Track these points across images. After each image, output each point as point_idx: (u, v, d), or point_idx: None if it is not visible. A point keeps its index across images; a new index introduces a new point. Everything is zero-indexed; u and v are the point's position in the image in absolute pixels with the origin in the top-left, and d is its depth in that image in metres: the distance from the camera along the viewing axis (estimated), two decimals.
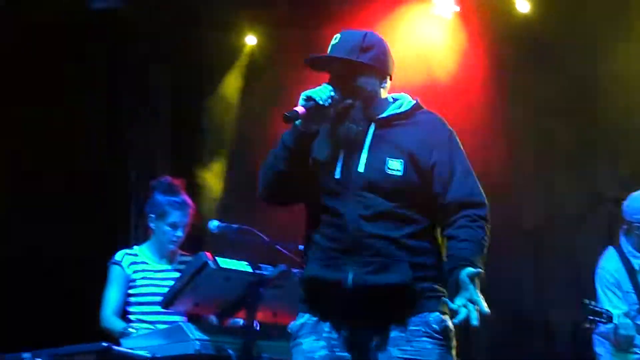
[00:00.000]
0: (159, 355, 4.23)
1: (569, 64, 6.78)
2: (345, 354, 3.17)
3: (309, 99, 3.09)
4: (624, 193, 5.61)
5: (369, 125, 3.22)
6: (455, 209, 3.15)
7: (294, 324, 3.27)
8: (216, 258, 4.10)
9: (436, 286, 3.19)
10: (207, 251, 4.22)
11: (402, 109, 3.29)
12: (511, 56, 6.92)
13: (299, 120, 3.09)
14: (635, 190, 5.48)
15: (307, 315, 3.25)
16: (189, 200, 5.01)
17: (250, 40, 7.79)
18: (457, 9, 6.94)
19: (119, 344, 4.37)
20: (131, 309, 4.88)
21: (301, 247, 3.50)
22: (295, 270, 4.23)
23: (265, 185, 3.26)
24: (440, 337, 3.14)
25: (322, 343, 3.18)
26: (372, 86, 3.25)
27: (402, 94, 3.35)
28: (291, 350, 3.29)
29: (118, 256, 4.92)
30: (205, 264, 4.04)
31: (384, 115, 3.27)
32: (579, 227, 6.92)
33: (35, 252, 7.10)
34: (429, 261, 3.17)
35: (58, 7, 6.98)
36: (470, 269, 2.98)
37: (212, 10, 7.32)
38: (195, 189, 6.95)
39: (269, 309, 4.32)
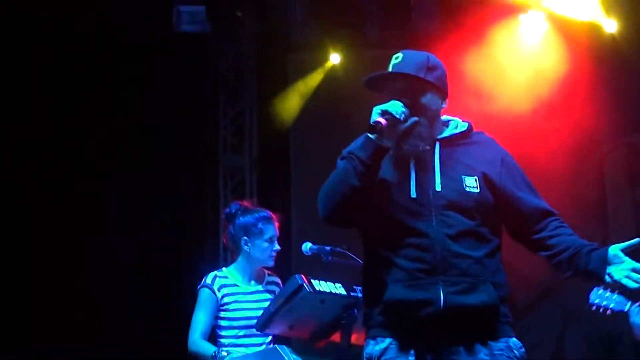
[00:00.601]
0: None
1: None
2: None
3: (385, 112, 3.08)
4: None
5: (434, 144, 3.21)
6: (543, 215, 3.21)
7: (373, 349, 3.22)
8: (311, 280, 4.09)
9: (506, 310, 3.20)
10: (301, 273, 4.19)
11: (459, 130, 3.30)
12: (598, 73, 6.95)
13: (374, 135, 3.07)
14: None
15: (388, 340, 3.20)
16: (273, 214, 5.07)
17: (334, 59, 7.89)
18: (546, 27, 7.02)
19: None
20: (223, 332, 4.87)
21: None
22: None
23: (333, 205, 3.19)
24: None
25: None
26: (436, 105, 3.24)
27: (449, 116, 3.36)
28: None
29: (208, 279, 4.92)
30: (302, 286, 4.03)
31: (445, 135, 3.27)
32: None
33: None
34: (502, 281, 3.19)
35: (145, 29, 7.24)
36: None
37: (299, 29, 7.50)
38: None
39: (363, 331, 4.10)
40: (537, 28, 7.10)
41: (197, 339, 4.86)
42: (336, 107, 7.74)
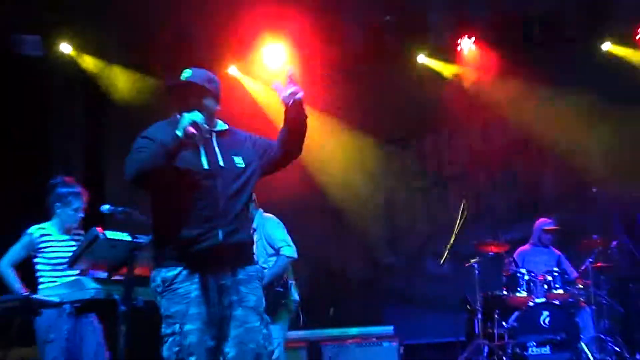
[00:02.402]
0: (65, 300, 5.26)
1: None
2: (213, 293, 4.21)
3: (194, 123, 4.07)
4: None
5: (211, 134, 4.32)
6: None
7: (167, 275, 4.18)
8: (104, 231, 5.03)
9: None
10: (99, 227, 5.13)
11: (224, 127, 4.50)
12: None
13: (182, 134, 4.07)
14: None
15: (179, 268, 4.21)
16: (83, 190, 6.36)
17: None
18: None
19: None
20: (40, 268, 6.10)
21: None
22: None
23: (141, 174, 4.12)
24: (260, 279, 4.46)
25: (195, 286, 4.19)
26: (213, 106, 4.42)
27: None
28: (164, 294, 4.19)
29: (31, 229, 6.20)
30: (97, 236, 4.98)
31: (218, 128, 4.45)
32: None
33: None
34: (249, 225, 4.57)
35: None
36: None
37: None
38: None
39: (144, 266, 4.98)
40: None
41: (4, 265, 6.09)
42: None
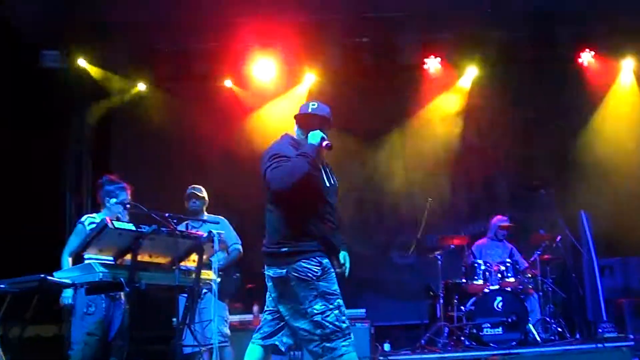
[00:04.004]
0: (77, 282, 5.29)
1: None
2: None
3: (326, 139, 4.81)
4: None
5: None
6: None
7: (323, 261, 4.74)
8: (112, 221, 5.18)
9: None
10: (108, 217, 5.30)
11: None
12: None
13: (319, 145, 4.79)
14: None
15: (327, 258, 4.80)
16: (127, 185, 6.57)
17: None
18: None
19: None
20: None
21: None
22: (163, 229, 5.32)
23: (292, 183, 4.63)
24: None
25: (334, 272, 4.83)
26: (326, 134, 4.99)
27: None
28: (324, 277, 4.68)
29: (83, 218, 6.50)
30: (106, 225, 5.13)
31: None
32: None
33: None
34: None
35: None
36: None
37: None
38: None
39: (146, 253, 5.41)
40: None
41: (64, 255, 6.31)
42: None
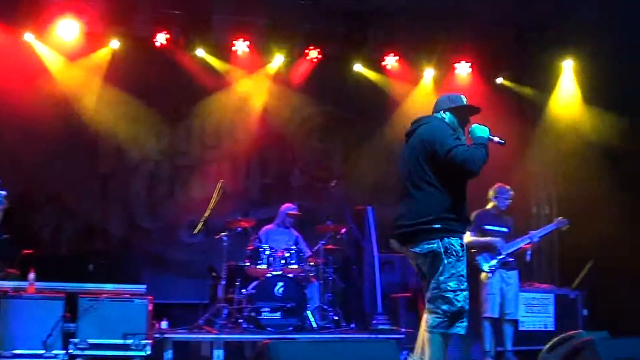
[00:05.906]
0: None
1: None
2: None
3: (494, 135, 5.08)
4: None
5: None
6: None
7: (462, 242, 5.00)
8: None
9: None
10: None
11: None
12: None
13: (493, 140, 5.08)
14: None
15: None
16: None
17: None
18: None
19: None
20: None
21: None
22: None
23: (480, 166, 4.86)
24: None
25: None
26: None
27: None
28: (461, 258, 4.94)
29: None
30: None
31: None
32: None
33: None
34: None
35: None
36: None
37: None
38: None
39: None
40: None
41: None
42: None
